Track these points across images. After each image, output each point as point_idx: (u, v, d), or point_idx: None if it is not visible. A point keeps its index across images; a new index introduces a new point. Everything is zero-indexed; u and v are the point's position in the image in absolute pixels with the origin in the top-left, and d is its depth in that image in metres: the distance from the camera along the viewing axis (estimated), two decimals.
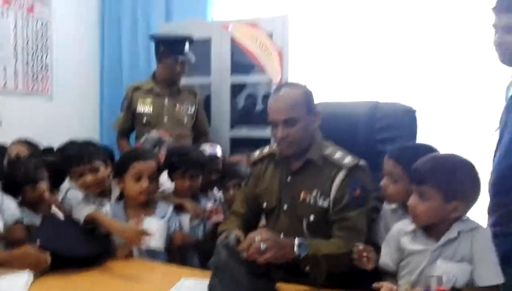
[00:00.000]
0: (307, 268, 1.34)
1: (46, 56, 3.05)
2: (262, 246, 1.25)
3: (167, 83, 2.55)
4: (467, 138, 2.51)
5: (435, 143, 2.00)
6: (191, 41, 2.55)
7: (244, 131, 2.81)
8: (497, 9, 1.37)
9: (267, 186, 1.59)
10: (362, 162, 1.46)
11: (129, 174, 1.67)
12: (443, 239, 1.18)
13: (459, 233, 1.17)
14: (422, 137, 1.75)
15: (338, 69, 2.84)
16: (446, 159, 1.24)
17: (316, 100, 1.54)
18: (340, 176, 1.43)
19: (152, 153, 1.78)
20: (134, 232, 1.53)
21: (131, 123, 2.60)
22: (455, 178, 1.17)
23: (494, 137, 2.10)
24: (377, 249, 1.35)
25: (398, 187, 1.37)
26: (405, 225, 1.28)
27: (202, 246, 1.71)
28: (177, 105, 2.54)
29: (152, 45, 2.68)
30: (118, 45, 3.39)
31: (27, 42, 2.90)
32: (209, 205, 1.88)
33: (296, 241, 1.32)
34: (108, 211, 1.67)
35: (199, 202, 1.89)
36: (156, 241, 1.56)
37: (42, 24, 2.99)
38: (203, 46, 2.81)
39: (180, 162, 1.84)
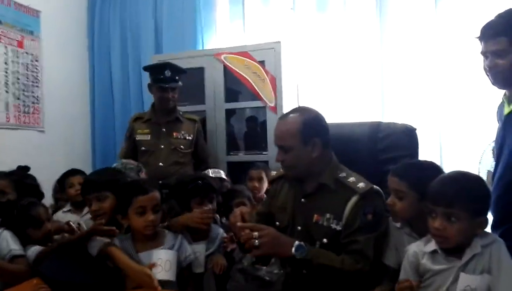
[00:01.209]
0: (304, 271, 1.39)
1: (37, 89, 3.04)
2: (257, 242, 1.32)
3: (163, 112, 2.59)
4: (463, 154, 2.59)
5: (435, 160, 2.08)
6: (179, 70, 2.59)
7: (241, 156, 2.82)
8: (484, 37, 1.44)
9: (280, 205, 1.62)
10: (376, 188, 1.48)
11: (133, 209, 1.63)
12: (468, 255, 1.20)
13: (482, 247, 1.20)
14: (423, 155, 1.80)
15: (334, 91, 2.90)
16: (466, 178, 1.27)
17: None
18: (353, 200, 1.44)
19: (153, 184, 1.76)
20: (148, 278, 1.50)
21: (133, 152, 2.63)
22: (479, 195, 1.21)
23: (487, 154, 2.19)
24: (385, 269, 1.39)
25: (404, 204, 1.39)
26: (421, 246, 1.30)
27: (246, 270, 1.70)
28: (174, 133, 2.58)
29: (143, 76, 2.70)
30: (108, 77, 3.42)
31: (18, 76, 2.89)
32: (220, 231, 1.88)
33: (297, 242, 1.37)
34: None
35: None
36: (166, 273, 1.54)
37: (32, 58, 2.99)
38: (197, 75, 2.85)
39: (196, 189, 1.84)
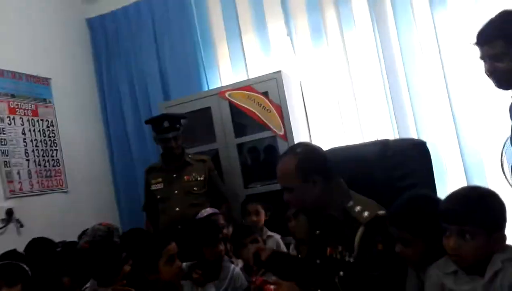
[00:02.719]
0: None
1: (56, 152, 3.14)
2: None
3: (171, 159, 2.65)
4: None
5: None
6: (177, 117, 2.66)
7: (259, 188, 2.81)
8: (480, 42, 1.41)
9: (301, 237, 1.65)
10: (382, 212, 1.41)
11: (163, 259, 1.68)
12: (489, 273, 1.12)
13: (502, 262, 1.12)
14: (438, 168, 1.74)
15: (343, 111, 2.87)
16: (478, 192, 1.21)
17: (322, 145, 1.58)
18: (360, 232, 1.39)
19: (167, 235, 1.81)
20: None
21: (153, 202, 2.71)
22: (493, 210, 1.15)
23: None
24: None
25: (412, 250, 1.29)
26: (441, 266, 1.23)
27: None
28: (185, 177, 2.63)
29: None
30: (123, 130, 3.49)
31: (36, 143, 3.00)
32: (231, 267, 1.91)
33: None
34: None
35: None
36: None
37: (47, 123, 3.11)
38: (204, 115, 2.89)
39: (208, 233, 1.88)
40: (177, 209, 2.57)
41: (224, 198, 2.71)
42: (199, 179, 2.62)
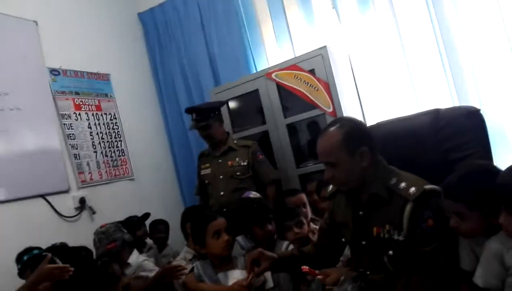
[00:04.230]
0: None
1: (121, 143, 3.36)
2: None
3: (216, 145, 2.76)
4: None
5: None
6: (205, 109, 2.73)
7: (311, 167, 2.79)
8: None
9: (342, 220, 1.57)
10: (429, 187, 1.35)
11: (209, 235, 1.79)
12: None
13: None
14: (494, 137, 1.61)
15: (393, 83, 2.74)
16: None
17: (373, 121, 1.51)
18: (408, 208, 1.35)
19: (216, 211, 1.90)
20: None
21: (203, 187, 2.83)
22: None
23: None
24: (465, 275, 1.26)
25: (469, 224, 1.23)
26: (504, 241, 1.17)
27: None
28: (229, 162, 2.70)
29: None
30: (179, 118, 3.62)
31: (102, 136, 3.23)
32: (285, 243, 1.96)
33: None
34: None
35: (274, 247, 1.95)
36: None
37: (110, 117, 3.32)
38: (253, 98, 2.91)
39: (255, 213, 1.94)
40: (222, 193, 2.65)
41: (273, 185, 2.70)
42: (242, 163, 2.67)
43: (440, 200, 1.30)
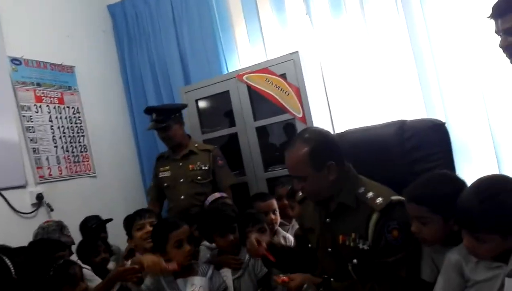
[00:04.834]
0: None
1: (83, 138, 3.24)
2: None
3: (176, 148, 2.72)
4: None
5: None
6: (165, 110, 2.70)
7: (280, 171, 2.79)
8: (494, 15, 1.35)
9: (309, 226, 1.59)
10: (396, 198, 1.38)
11: (170, 243, 1.76)
12: None
13: None
14: (457, 150, 1.66)
15: (362, 91, 2.77)
16: (494, 191, 1.08)
17: (342, 128, 1.52)
18: (374, 218, 1.37)
19: (181, 220, 1.87)
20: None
21: (159, 189, 2.78)
22: (508, 211, 1.05)
23: None
24: (426, 286, 1.29)
25: (430, 229, 1.25)
26: (464, 252, 1.18)
27: None
28: (190, 166, 2.67)
29: None
30: (146, 115, 3.51)
31: (63, 130, 3.10)
32: (247, 255, 1.90)
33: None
34: None
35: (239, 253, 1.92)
36: None
37: (73, 111, 3.20)
38: (224, 99, 2.88)
39: (217, 222, 1.89)
40: (182, 197, 2.62)
41: (227, 187, 2.66)
42: (203, 168, 2.65)
43: (405, 210, 1.32)
